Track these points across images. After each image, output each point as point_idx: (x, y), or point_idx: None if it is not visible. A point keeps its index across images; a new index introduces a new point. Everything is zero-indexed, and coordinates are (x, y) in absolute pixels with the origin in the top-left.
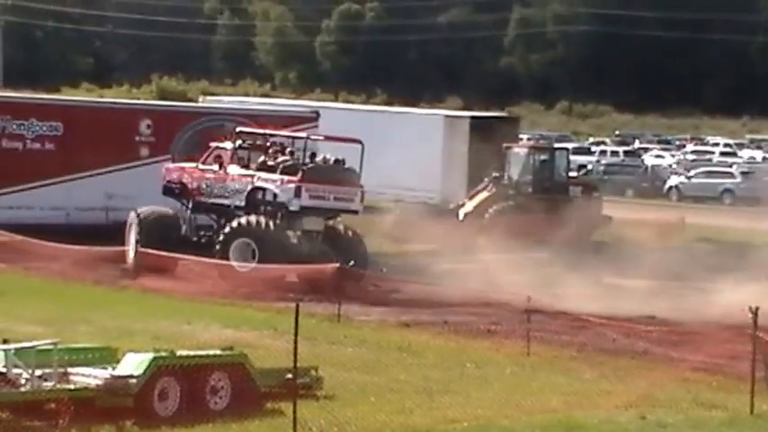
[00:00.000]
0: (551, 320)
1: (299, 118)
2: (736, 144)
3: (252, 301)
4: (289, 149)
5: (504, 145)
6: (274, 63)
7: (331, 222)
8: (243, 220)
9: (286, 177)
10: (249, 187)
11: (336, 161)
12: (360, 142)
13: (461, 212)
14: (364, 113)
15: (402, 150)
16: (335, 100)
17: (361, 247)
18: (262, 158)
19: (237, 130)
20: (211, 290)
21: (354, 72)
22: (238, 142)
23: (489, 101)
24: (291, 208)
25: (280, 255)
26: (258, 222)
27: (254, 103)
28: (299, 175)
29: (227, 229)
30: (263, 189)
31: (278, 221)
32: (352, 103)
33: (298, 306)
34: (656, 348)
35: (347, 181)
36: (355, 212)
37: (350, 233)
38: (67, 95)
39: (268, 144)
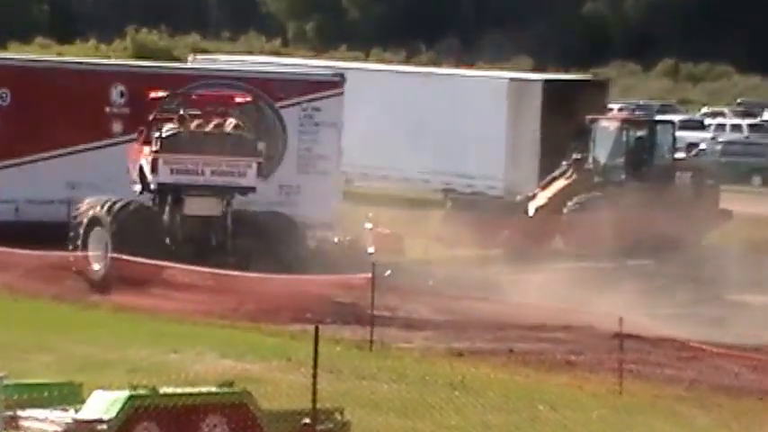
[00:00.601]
0: (651, 349)
1: (318, 83)
2: None
3: (259, 322)
4: (232, 119)
5: (589, 118)
6: (286, 11)
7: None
8: (95, 204)
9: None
10: (138, 167)
11: (220, 127)
12: (254, 102)
13: (532, 206)
14: (404, 76)
15: (454, 125)
16: (366, 59)
17: (289, 237)
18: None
19: (151, 95)
20: (206, 307)
21: (391, 22)
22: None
23: (568, 60)
24: (152, 186)
25: (141, 247)
26: (111, 207)
27: (261, 63)
28: (155, 145)
29: (78, 218)
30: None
31: (156, 205)
32: (388, 62)
33: (317, 329)
34: None
35: (232, 151)
36: (250, 190)
37: (280, 218)
38: (15, 53)
39: (183, 112)
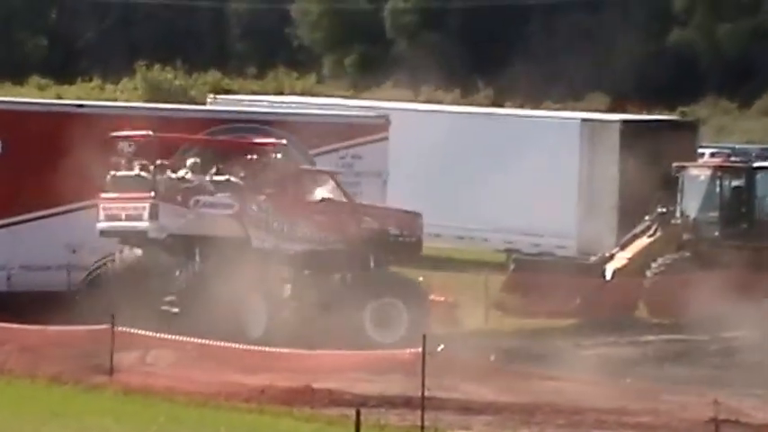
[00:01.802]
0: None
1: (359, 126)
2: None
3: (291, 406)
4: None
5: (676, 165)
6: (322, 43)
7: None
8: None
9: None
10: None
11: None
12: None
13: (610, 268)
14: (459, 117)
15: (517, 174)
16: (415, 98)
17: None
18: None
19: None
20: (230, 389)
21: (444, 55)
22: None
23: (651, 97)
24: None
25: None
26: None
27: (292, 104)
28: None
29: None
30: None
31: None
32: (441, 102)
33: (359, 414)
34: None
35: (135, 191)
36: (146, 235)
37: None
38: (9, 95)
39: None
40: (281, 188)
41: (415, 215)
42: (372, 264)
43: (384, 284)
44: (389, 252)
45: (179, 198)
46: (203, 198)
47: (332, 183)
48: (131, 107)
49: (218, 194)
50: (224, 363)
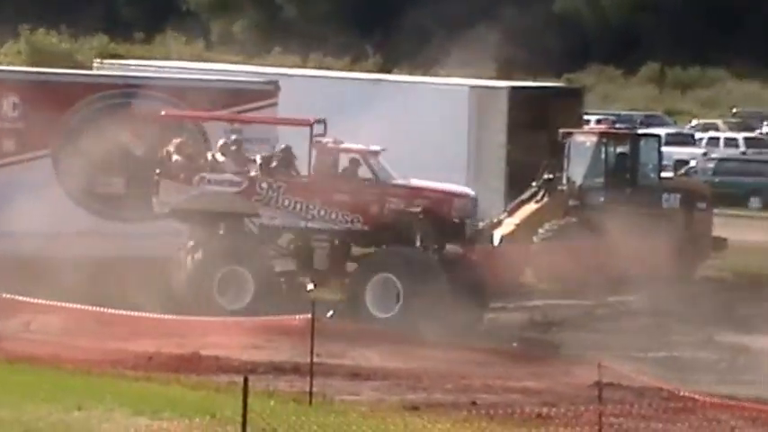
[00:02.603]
0: (636, 399)
1: (248, 92)
2: None
3: (178, 373)
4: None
5: (562, 131)
6: (210, 8)
7: None
8: None
9: None
10: None
11: None
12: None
13: (497, 234)
14: (348, 84)
15: (406, 141)
16: (304, 64)
17: None
18: None
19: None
20: (116, 356)
21: (333, 22)
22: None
23: (538, 64)
24: None
25: None
26: None
27: (180, 68)
28: None
29: None
30: None
31: None
32: (330, 68)
33: (247, 381)
34: None
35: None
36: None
37: None
38: None
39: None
40: (297, 167)
41: (457, 196)
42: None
43: (384, 261)
44: (419, 231)
45: (182, 176)
46: (209, 176)
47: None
48: (14, 71)
49: (228, 173)
50: (111, 330)
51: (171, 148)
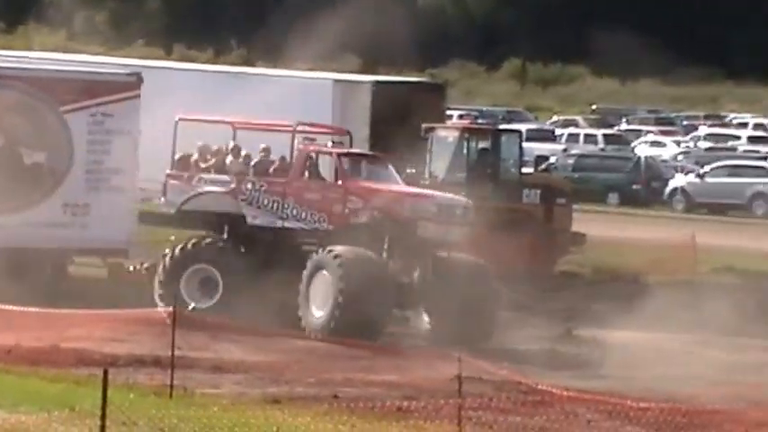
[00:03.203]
0: (495, 392)
1: (110, 84)
2: None
3: (38, 365)
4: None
5: (424, 126)
6: None
7: None
8: None
9: None
10: None
11: None
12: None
13: None
14: (211, 77)
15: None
16: (168, 56)
17: None
18: None
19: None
20: None
21: (197, 13)
22: None
23: (401, 59)
24: None
25: None
26: None
27: (42, 59)
28: None
29: None
30: None
31: None
32: (194, 60)
33: (106, 373)
34: None
35: None
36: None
37: None
38: None
39: None
40: (284, 169)
41: (412, 197)
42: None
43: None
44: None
45: (185, 176)
46: (205, 176)
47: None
48: None
49: (223, 174)
50: None
51: (195, 152)
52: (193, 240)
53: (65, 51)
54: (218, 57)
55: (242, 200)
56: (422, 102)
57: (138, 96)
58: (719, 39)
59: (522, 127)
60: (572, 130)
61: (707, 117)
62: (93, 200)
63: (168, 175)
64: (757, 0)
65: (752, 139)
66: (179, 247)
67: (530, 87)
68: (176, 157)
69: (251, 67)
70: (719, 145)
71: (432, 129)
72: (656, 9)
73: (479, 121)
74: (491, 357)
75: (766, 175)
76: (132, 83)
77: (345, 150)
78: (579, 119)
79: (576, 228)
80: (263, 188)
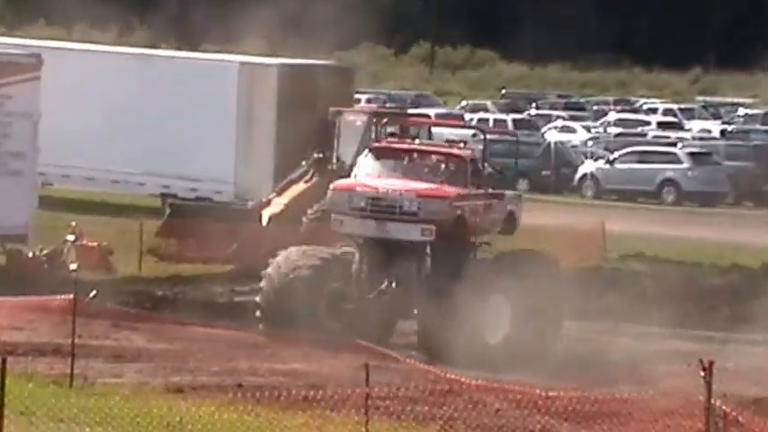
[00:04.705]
0: (403, 381)
1: (9, 65)
2: (682, 110)
3: None
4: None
5: (332, 110)
6: None
7: None
8: None
9: None
10: None
11: None
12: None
13: (266, 214)
14: (114, 58)
15: (174, 118)
16: (69, 37)
17: None
18: None
19: None
20: None
21: None
22: None
23: (309, 42)
24: None
25: None
26: None
27: None
28: None
29: None
30: None
31: None
32: (96, 42)
33: (5, 362)
34: (562, 426)
35: None
36: None
37: None
38: None
39: None
40: None
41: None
42: None
43: None
44: None
45: None
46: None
47: None
48: None
49: None
50: None
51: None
52: None
53: None
54: (120, 38)
55: None
56: (330, 85)
57: (38, 78)
58: (627, 25)
59: (431, 111)
60: (481, 114)
61: (616, 102)
62: None
63: None
64: None
65: (661, 125)
66: None
67: (438, 71)
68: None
69: (155, 48)
70: (629, 130)
71: (339, 113)
72: None
73: (388, 105)
74: (399, 341)
75: (676, 162)
76: (32, 64)
77: None
78: (489, 103)
79: None
80: None
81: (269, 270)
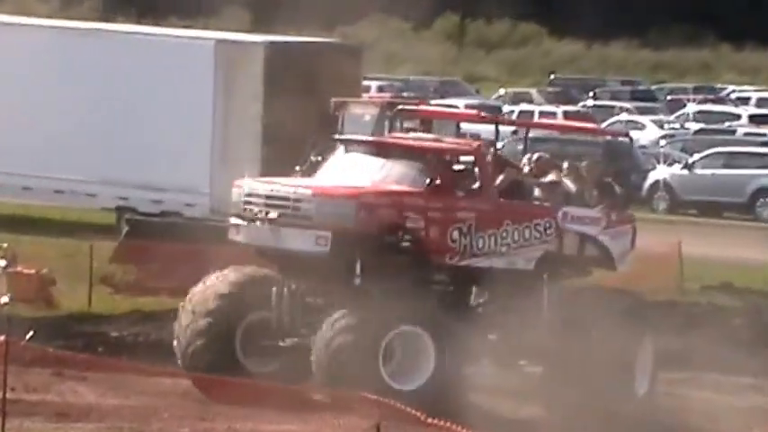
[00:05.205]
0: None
1: None
2: None
3: None
4: None
5: (335, 101)
6: None
7: None
8: None
9: None
10: None
11: None
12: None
13: None
14: (59, 34)
15: (134, 110)
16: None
17: None
18: None
19: None
20: None
21: None
22: None
23: (305, 14)
24: None
25: None
26: None
27: None
28: None
29: None
30: None
31: None
32: (35, 15)
33: None
34: None
35: None
36: None
37: None
38: None
39: None
40: None
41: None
42: None
43: None
44: None
45: None
46: None
47: None
48: None
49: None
50: None
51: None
52: None
53: None
54: (65, 9)
55: None
56: (331, 69)
57: None
58: None
59: (460, 102)
60: (524, 106)
61: (697, 90)
62: None
63: None
64: None
65: (755, 119)
66: None
67: (469, 51)
68: None
69: (108, 23)
70: (713, 126)
71: (343, 104)
72: None
73: (405, 94)
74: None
75: None
76: None
77: None
78: (533, 92)
79: None
80: None
81: (181, 303)
